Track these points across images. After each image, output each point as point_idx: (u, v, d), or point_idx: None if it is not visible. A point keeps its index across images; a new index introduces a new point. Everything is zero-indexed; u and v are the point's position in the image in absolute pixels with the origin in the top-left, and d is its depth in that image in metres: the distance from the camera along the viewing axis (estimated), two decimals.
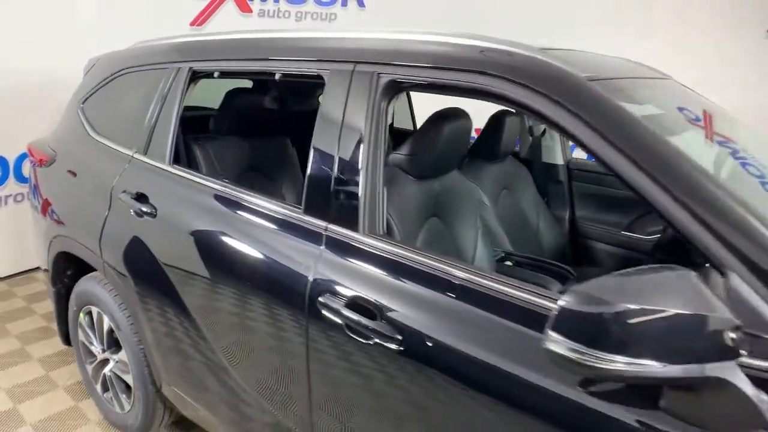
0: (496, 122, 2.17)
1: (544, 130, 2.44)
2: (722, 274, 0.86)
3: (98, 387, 2.33)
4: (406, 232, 1.52)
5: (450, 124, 1.56)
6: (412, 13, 5.29)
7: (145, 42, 2.24)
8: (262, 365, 1.52)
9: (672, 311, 0.73)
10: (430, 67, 1.25)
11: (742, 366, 0.78)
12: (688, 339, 0.74)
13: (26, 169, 3.46)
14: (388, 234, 1.40)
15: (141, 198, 1.85)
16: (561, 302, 0.76)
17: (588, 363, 0.74)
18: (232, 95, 2.19)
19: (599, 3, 4.80)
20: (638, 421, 0.85)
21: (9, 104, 3.46)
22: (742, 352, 0.76)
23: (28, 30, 3.44)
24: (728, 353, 0.75)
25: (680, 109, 1.65)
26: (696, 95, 1.91)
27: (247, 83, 2.66)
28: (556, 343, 0.75)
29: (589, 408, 0.90)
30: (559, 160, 2.45)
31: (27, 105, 3.46)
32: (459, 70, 1.20)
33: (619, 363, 0.73)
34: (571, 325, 0.75)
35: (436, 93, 1.34)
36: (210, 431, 1.91)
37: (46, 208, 2.40)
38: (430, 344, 1.11)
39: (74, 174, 2.25)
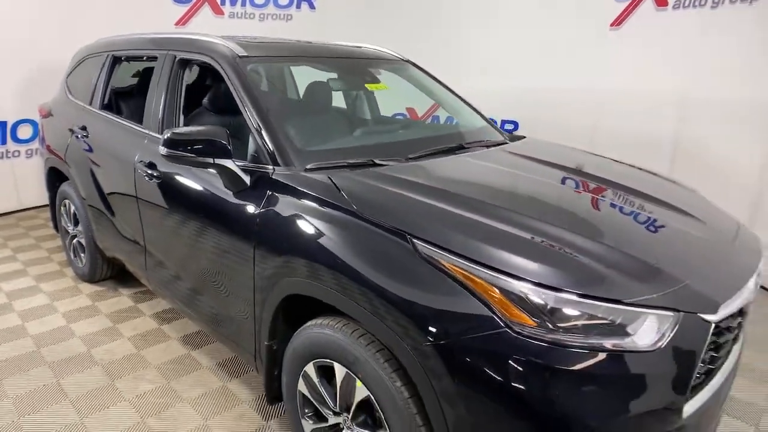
0: (312, 88, 3.41)
1: (357, 95, 3.64)
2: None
3: (71, 254, 3.77)
4: None
5: (222, 83, 2.82)
6: (355, 12, 6.46)
7: (101, 39, 3.62)
8: (122, 209, 2.88)
9: (205, 137, 2.00)
10: (190, 51, 2.55)
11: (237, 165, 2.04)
12: (208, 149, 2.00)
13: None
14: None
15: (83, 128, 3.24)
16: (163, 135, 2.03)
17: (172, 155, 2.02)
18: (144, 73, 3.54)
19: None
20: (204, 187, 2.13)
21: (40, 83, 4.93)
22: (234, 158, 2.03)
23: (53, 34, 4.92)
24: (225, 156, 2.01)
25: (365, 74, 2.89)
26: (415, 72, 3.10)
27: None
28: (162, 148, 2.04)
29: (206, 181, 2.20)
30: (367, 115, 3.65)
31: (52, 83, 4.93)
32: (198, 52, 2.49)
33: (181, 153, 2.00)
34: (166, 143, 2.02)
35: (198, 66, 2.61)
36: (117, 259, 3.28)
37: (44, 144, 3.85)
38: (168, 177, 2.41)
39: (58, 120, 3.68)
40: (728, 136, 4.10)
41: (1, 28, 4.77)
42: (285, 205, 1.87)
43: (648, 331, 1.35)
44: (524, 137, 2.83)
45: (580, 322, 1.34)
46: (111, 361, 2.76)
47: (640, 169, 2.45)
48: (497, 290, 1.37)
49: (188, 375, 2.66)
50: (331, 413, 1.82)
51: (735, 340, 1.71)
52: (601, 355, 1.32)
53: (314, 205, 1.79)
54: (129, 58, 3.19)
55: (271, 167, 2.00)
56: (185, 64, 2.64)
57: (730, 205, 4.03)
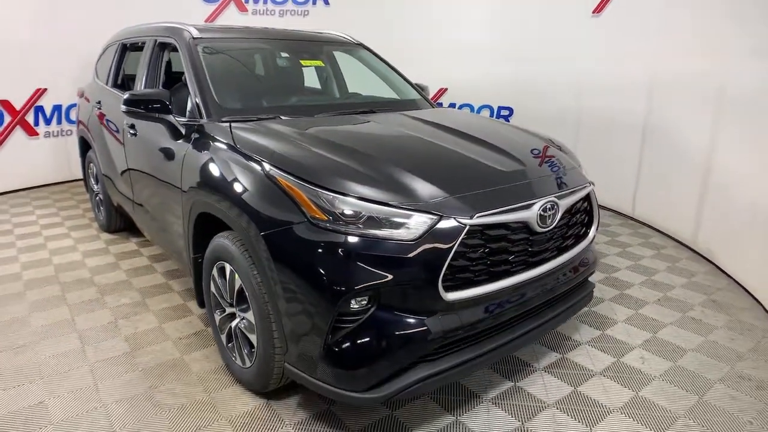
0: (258, 64, 4.00)
1: (327, 76, 4.19)
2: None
3: (95, 209, 4.59)
4: (178, 105, 3.46)
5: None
6: (367, 6, 6.96)
7: (118, 31, 4.39)
8: (118, 161, 3.59)
9: (151, 98, 2.64)
10: (164, 35, 3.21)
11: (176, 119, 2.66)
12: (153, 106, 2.63)
13: None
14: None
15: (98, 102, 4.01)
16: (123, 96, 2.68)
17: (129, 111, 2.66)
18: None
19: None
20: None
21: (87, 72, 5.85)
22: (174, 114, 2.65)
23: (99, 30, 5.82)
24: (167, 112, 2.63)
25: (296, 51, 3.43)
26: (365, 54, 3.61)
27: None
28: (122, 106, 2.68)
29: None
30: (336, 93, 4.18)
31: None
32: (168, 36, 3.13)
33: (135, 110, 2.64)
34: (125, 102, 2.66)
35: (171, 50, 3.25)
36: (122, 207, 4.03)
37: (78, 119, 4.70)
38: (141, 133, 3.07)
39: (87, 100, 4.50)
40: (689, 111, 4.29)
41: (56, 27, 5.73)
42: (199, 145, 2.46)
43: (412, 227, 1.82)
44: (440, 106, 3.27)
45: (362, 219, 1.83)
46: (106, 284, 3.48)
47: (515, 127, 2.85)
48: (305, 196, 1.89)
49: (160, 296, 3.32)
50: (227, 304, 2.39)
51: (535, 255, 2.11)
52: (373, 241, 1.80)
53: (214, 143, 2.37)
54: (132, 45, 3.92)
55: (198, 120, 2.60)
56: (163, 46, 3.30)
57: (680, 176, 4.24)
